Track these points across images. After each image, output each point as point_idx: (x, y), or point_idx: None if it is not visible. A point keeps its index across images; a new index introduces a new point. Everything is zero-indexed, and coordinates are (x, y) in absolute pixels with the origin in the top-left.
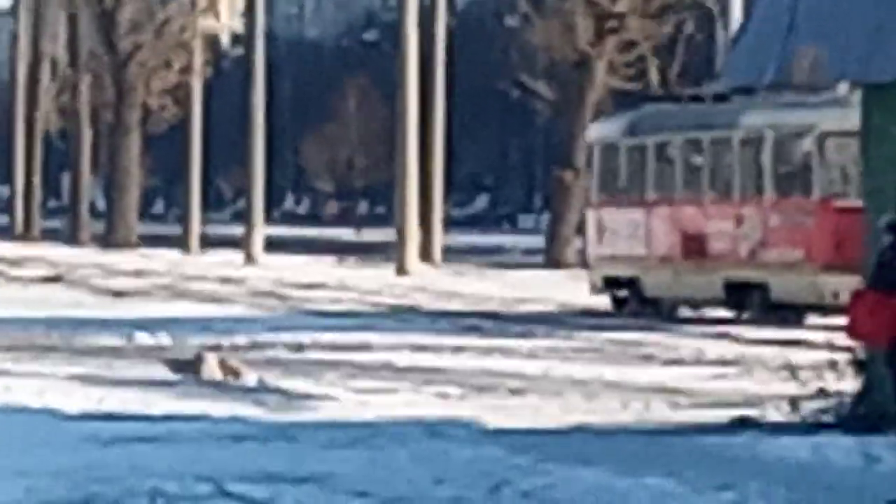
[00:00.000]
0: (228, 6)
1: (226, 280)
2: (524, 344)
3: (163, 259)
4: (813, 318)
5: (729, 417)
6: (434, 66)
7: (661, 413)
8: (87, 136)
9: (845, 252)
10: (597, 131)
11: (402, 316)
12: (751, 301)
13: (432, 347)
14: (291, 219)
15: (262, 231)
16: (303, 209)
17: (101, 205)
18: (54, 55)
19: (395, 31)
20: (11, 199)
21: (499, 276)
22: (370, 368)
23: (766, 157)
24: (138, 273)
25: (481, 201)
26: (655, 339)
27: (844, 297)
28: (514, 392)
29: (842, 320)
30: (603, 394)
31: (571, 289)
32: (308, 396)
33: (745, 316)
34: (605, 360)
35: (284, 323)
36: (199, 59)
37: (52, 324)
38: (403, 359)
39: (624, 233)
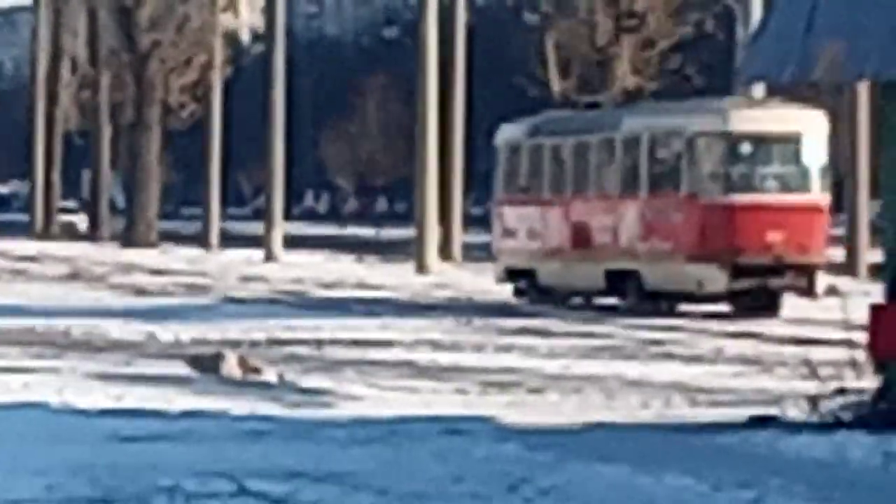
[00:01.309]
0: (248, 3)
1: (246, 277)
2: (543, 342)
3: (183, 256)
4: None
5: (748, 415)
6: (454, 63)
7: (681, 411)
8: (106, 133)
9: (709, 244)
10: (503, 133)
11: (422, 313)
12: (628, 289)
13: (452, 345)
14: (311, 216)
15: (281, 228)
16: (323, 206)
17: (120, 202)
18: (74, 52)
19: (414, 29)
20: (31, 196)
21: None
22: (390, 366)
23: (643, 157)
24: (158, 270)
25: None
26: (675, 337)
27: (708, 287)
28: (534, 390)
29: (710, 307)
30: (623, 391)
31: None
32: (328, 393)
33: (624, 303)
34: (624, 357)
35: (304, 320)
36: (219, 57)
37: (71, 321)
38: (423, 356)
39: (523, 227)
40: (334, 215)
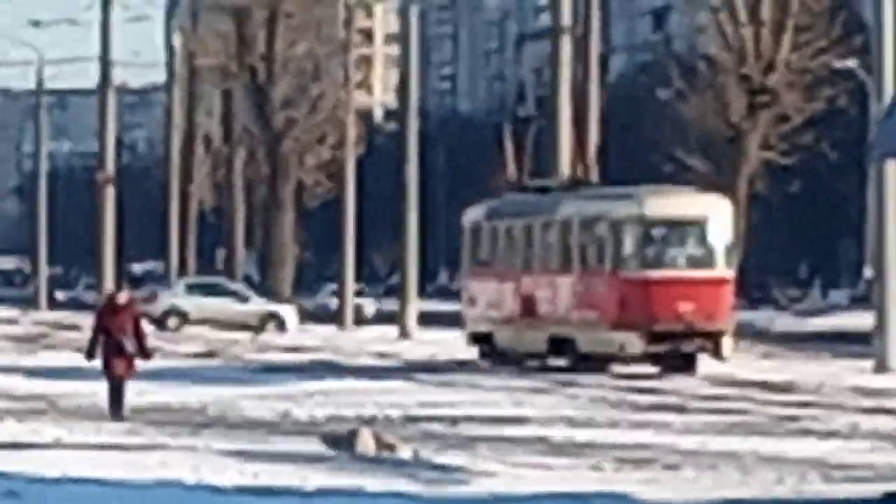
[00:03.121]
0: (381, 81)
1: (381, 355)
2: (678, 418)
3: (318, 333)
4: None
5: (883, 491)
6: (586, 139)
7: (817, 487)
8: (241, 211)
9: (628, 314)
10: (468, 215)
11: (556, 389)
12: (566, 352)
13: (586, 421)
14: (445, 293)
15: (416, 306)
16: (457, 284)
17: (255, 280)
18: (208, 131)
19: (547, 106)
20: (166, 275)
21: None
22: (524, 442)
23: (574, 238)
24: (293, 348)
25: None
26: (810, 413)
27: (628, 350)
28: (669, 466)
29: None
30: (758, 468)
31: (737, 362)
32: (462, 470)
33: (564, 363)
34: (759, 433)
35: (439, 397)
36: (352, 135)
37: (206, 398)
38: (558, 433)
39: (483, 298)
40: None
